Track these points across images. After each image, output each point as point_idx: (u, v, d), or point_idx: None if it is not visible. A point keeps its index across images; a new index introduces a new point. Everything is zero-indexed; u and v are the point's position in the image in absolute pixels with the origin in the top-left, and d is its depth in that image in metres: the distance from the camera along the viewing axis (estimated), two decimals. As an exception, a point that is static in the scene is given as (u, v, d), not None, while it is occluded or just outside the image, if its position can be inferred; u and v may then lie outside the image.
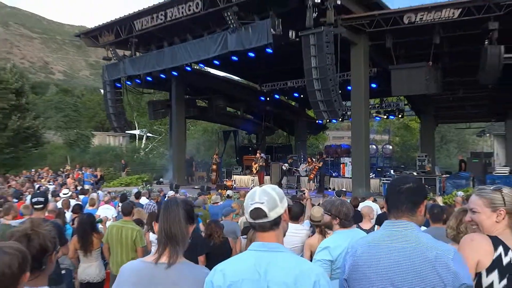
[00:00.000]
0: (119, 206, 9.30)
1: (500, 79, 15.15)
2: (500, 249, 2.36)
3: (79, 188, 17.19)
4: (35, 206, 6.04)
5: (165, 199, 12.73)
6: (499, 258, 2.34)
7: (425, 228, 5.70)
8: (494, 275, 2.32)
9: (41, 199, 6.10)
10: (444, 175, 19.57)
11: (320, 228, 5.30)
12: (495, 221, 2.44)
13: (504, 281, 2.31)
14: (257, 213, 2.11)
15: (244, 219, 8.58)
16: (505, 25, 14.40)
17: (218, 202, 11.76)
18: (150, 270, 2.25)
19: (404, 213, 2.26)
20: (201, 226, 8.13)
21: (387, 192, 2.46)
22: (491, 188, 2.53)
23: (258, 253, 2.11)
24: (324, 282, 2.02)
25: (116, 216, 9.48)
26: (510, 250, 2.36)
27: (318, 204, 7.68)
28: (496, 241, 2.38)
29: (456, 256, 2.11)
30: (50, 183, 21.10)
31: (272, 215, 2.11)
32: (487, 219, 2.46)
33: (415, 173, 19.05)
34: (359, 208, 8.73)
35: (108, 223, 7.55)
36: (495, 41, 14.18)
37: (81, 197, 13.10)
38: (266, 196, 2.13)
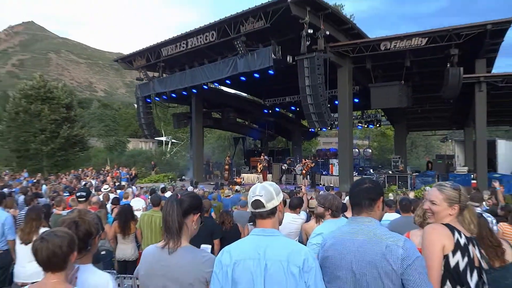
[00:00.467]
0: (149, 198, 9.29)
1: (460, 95, 15.13)
2: (456, 234, 2.39)
3: (117, 184, 17.21)
4: (79, 199, 6.06)
5: (185, 192, 12.75)
6: (458, 241, 2.37)
7: (398, 215, 5.68)
8: (458, 255, 2.35)
9: (83, 193, 6.12)
10: (414, 174, 19.52)
11: (316, 216, 5.30)
12: (449, 214, 2.47)
13: (466, 259, 2.34)
14: (257, 204, 2.18)
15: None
16: (464, 51, 14.42)
17: (229, 195, 11.79)
18: (159, 254, 2.26)
19: (363, 209, 2.28)
20: (213, 215, 8.11)
21: (349, 192, 2.44)
22: (451, 186, 2.54)
23: (258, 237, 2.16)
24: (311, 259, 2.06)
25: (146, 207, 9.47)
26: (461, 233, 2.40)
27: (311, 198, 7.65)
28: (451, 228, 2.41)
29: (406, 243, 2.12)
30: (94, 180, 21.14)
31: (269, 206, 2.17)
32: (443, 210, 2.48)
33: (390, 172, 18.99)
34: (344, 201, 8.69)
35: (139, 213, 7.53)
36: (455, 64, 14.22)
37: (118, 191, 13.10)
38: (264, 190, 2.20)
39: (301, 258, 2.04)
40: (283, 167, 21.90)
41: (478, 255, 2.44)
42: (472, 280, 2.34)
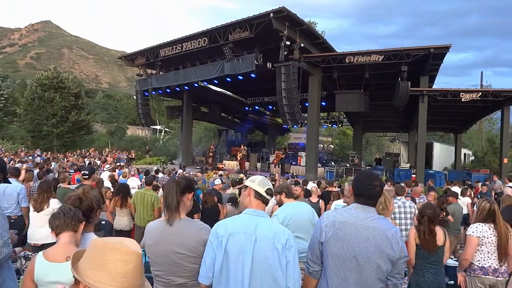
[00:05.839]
0: (143, 178, 9.25)
1: (407, 104, 15.45)
2: None
3: (117, 164, 16.98)
4: (84, 177, 5.99)
5: (176, 175, 12.70)
6: None
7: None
8: None
9: (87, 171, 6.07)
10: (367, 167, 19.84)
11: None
12: None
13: None
14: (271, 191, 2.31)
15: (230, 191, 8.60)
16: (411, 68, 14.73)
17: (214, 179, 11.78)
18: (163, 226, 2.30)
19: (371, 204, 2.21)
20: (201, 196, 8.12)
21: (360, 183, 2.27)
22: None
23: (251, 216, 2.22)
24: (292, 239, 2.14)
25: (140, 185, 9.42)
26: None
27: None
28: None
29: (400, 235, 2.19)
30: (98, 160, 20.80)
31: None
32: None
33: (348, 165, 19.20)
34: (308, 187, 8.79)
35: (134, 190, 7.48)
36: (404, 79, 14.51)
37: (117, 171, 12.95)
38: (270, 183, 2.37)
39: (284, 237, 2.11)
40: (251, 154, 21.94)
41: None
42: None
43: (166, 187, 2.36)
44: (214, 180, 11.54)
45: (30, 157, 18.70)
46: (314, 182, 10.88)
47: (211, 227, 2.24)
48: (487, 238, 3.55)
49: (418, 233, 3.68)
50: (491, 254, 3.56)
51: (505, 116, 16.48)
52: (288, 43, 14.27)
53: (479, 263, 3.59)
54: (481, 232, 3.57)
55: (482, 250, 3.58)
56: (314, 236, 2.28)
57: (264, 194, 2.26)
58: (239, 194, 7.77)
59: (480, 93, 15.32)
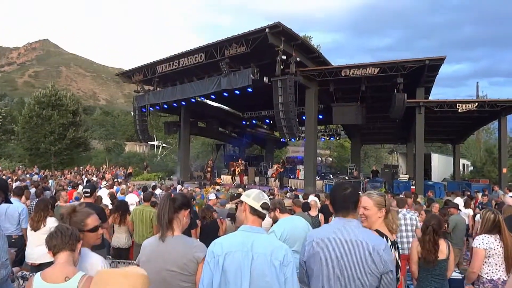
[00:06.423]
0: (141, 194, 9.15)
1: (404, 116, 15.51)
2: (384, 239, 2.34)
3: (114, 180, 16.88)
4: (85, 194, 5.93)
5: (175, 191, 12.61)
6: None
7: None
8: None
9: (88, 189, 5.99)
10: (366, 179, 19.78)
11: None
12: (378, 217, 2.50)
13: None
14: (266, 205, 2.23)
15: (229, 206, 8.54)
16: (407, 80, 14.84)
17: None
18: (157, 243, 2.30)
19: (350, 213, 2.16)
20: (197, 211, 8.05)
21: (334, 197, 2.24)
22: (377, 193, 2.58)
23: (247, 233, 2.16)
24: (289, 255, 2.08)
25: (139, 201, 9.33)
26: (388, 238, 2.44)
27: (283, 199, 7.63)
28: (381, 234, 2.40)
29: (386, 247, 2.09)
30: (96, 177, 20.71)
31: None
32: (374, 214, 2.50)
33: (346, 177, 19.18)
34: (308, 200, 8.71)
35: (132, 207, 7.40)
36: (401, 90, 14.59)
37: (115, 187, 12.86)
38: (266, 196, 2.31)
39: (282, 253, 2.06)
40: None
41: (397, 256, 2.49)
42: None
43: (159, 203, 2.35)
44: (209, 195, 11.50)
45: (28, 175, 18.61)
46: (314, 196, 10.81)
47: (211, 243, 2.20)
48: (494, 249, 3.50)
49: (422, 244, 3.64)
50: (499, 266, 3.50)
51: (502, 126, 16.53)
52: (284, 57, 14.37)
53: (487, 276, 3.53)
54: (488, 244, 3.52)
55: (490, 263, 3.52)
56: (300, 257, 2.26)
57: (260, 209, 2.21)
58: (236, 209, 7.71)
59: (477, 104, 15.40)
